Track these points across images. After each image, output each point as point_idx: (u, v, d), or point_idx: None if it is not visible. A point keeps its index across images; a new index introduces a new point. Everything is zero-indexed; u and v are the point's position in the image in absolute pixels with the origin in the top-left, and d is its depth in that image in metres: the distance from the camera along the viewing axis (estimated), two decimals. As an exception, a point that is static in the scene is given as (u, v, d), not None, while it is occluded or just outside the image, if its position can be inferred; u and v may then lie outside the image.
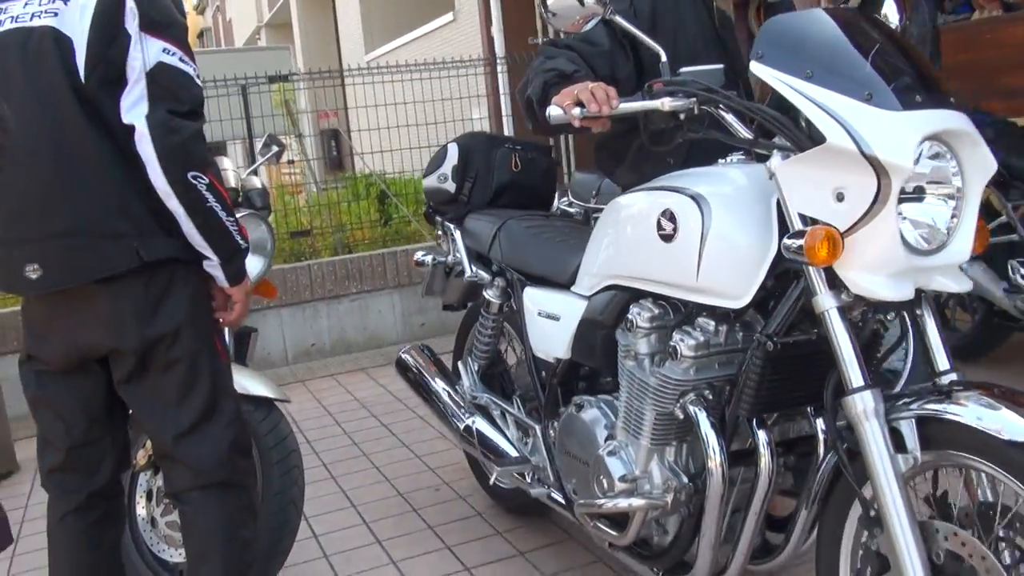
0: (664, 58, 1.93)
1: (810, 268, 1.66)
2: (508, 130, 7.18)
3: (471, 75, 6.60)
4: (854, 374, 1.63)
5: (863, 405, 1.60)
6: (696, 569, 1.96)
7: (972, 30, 4.41)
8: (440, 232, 3.00)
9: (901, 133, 1.54)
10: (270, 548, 2.42)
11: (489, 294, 2.70)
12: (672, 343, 1.91)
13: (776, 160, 1.71)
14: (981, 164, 1.62)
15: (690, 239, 1.84)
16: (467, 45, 8.15)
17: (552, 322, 2.39)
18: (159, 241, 1.89)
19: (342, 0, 14.22)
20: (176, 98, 1.85)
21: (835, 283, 1.66)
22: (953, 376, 1.67)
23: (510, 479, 2.55)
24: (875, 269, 1.60)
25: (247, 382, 2.40)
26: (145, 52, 1.83)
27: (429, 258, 2.93)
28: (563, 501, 2.36)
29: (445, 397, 2.81)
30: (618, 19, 1.98)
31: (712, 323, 1.90)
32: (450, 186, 2.88)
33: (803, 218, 1.67)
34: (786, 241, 1.64)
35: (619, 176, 2.45)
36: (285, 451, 2.48)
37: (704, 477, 1.90)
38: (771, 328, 1.78)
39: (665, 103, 1.83)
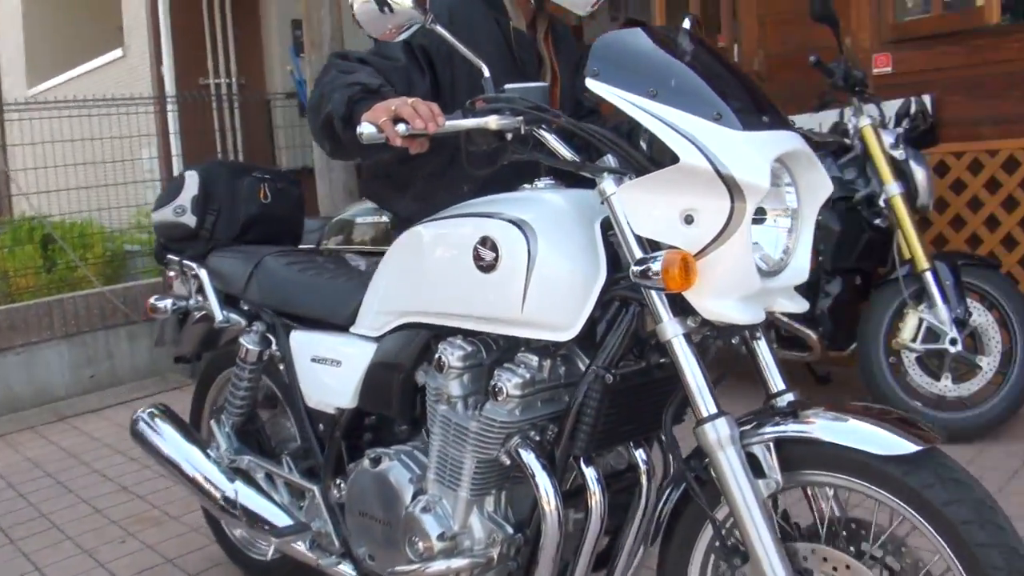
0: (487, 73, 1.80)
1: (652, 294, 1.59)
2: (177, 170, 6.84)
3: (141, 113, 6.48)
4: (706, 402, 1.57)
5: (717, 434, 1.55)
6: (527, 627, 1.81)
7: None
8: (172, 273, 2.66)
9: (754, 153, 1.51)
10: None
11: (247, 341, 2.39)
12: (494, 382, 1.76)
13: (609, 182, 1.63)
14: (817, 185, 1.63)
15: (514, 268, 1.71)
16: (137, 82, 7.76)
17: (331, 368, 2.15)
18: None
19: (3, 27, 12.79)
20: None
21: (676, 309, 1.60)
22: (790, 396, 1.67)
23: (287, 550, 2.25)
24: (726, 293, 1.54)
25: None
26: None
27: (167, 303, 2.57)
28: (353, 571, 2.11)
29: (196, 463, 2.44)
30: (439, 28, 1.82)
31: (535, 358, 1.77)
32: (189, 220, 2.56)
33: (640, 242, 1.60)
34: (635, 268, 1.55)
35: (400, 206, 2.27)
36: None
37: (533, 525, 1.77)
38: (603, 360, 1.68)
39: (491, 121, 1.70)
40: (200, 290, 2.52)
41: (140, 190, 6.70)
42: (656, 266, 1.50)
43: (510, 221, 1.74)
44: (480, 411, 1.79)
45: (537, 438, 1.78)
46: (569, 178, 1.86)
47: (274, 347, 2.37)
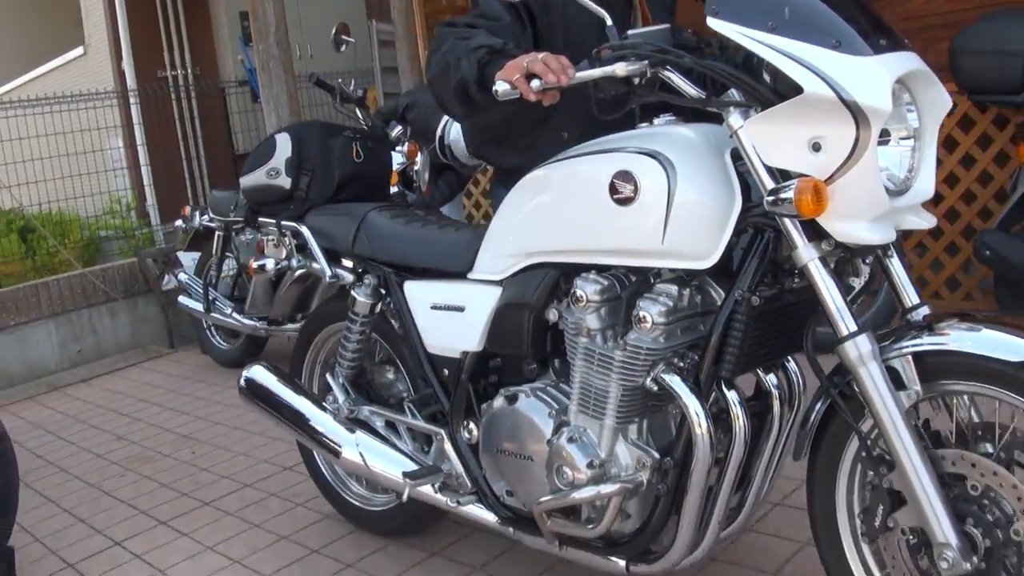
0: (609, 22, 2.00)
1: (786, 221, 1.79)
2: (143, 159, 7.94)
3: (105, 107, 7.35)
4: (846, 321, 1.78)
5: (859, 350, 1.75)
6: (674, 549, 2.02)
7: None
8: (269, 237, 2.87)
9: (876, 77, 1.68)
10: None
11: (359, 294, 2.63)
12: (638, 311, 1.97)
13: (736, 116, 1.83)
14: (936, 102, 1.82)
15: (654, 199, 1.91)
16: (100, 78, 8.60)
17: (454, 314, 2.38)
18: None
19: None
20: None
21: (810, 234, 1.80)
22: (925, 309, 1.88)
23: (416, 495, 2.48)
24: (858, 215, 1.74)
25: None
26: None
27: (269, 261, 2.79)
28: (486, 509, 2.35)
29: (314, 416, 2.68)
30: None
31: (674, 288, 1.98)
32: (284, 181, 2.78)
33: (771, 171, 1.80)
34: (768, 197, 1.76)
35: (503, 159, 2.50)
36: None
37: (680, 449, 1.98)
38: (745, 284, 1.88)
39: (619, 68, 1.90)
40: (301, 249, 2.74)
41: (109, 178, 7.54)
42: (789, 194, 1.71)
43: (646, 153, 1.94)
44: (627, 339, 2.00)
45: (680, 365, 2.00)
46: (688, 115, 2.06)
47: (387, 299, 2.59)
